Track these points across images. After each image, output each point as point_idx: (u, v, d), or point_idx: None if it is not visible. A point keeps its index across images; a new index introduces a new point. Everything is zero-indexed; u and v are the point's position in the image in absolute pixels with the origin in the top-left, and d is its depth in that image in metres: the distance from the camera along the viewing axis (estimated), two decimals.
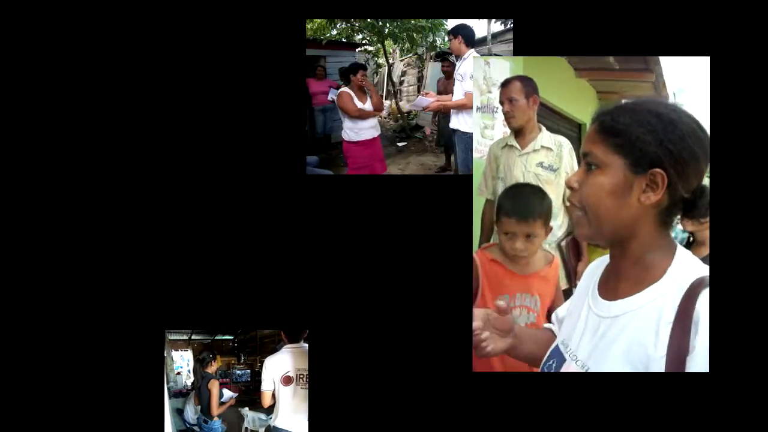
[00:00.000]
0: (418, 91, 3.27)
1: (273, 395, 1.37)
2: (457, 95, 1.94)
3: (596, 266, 0.81)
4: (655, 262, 0.68)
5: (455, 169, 2.21)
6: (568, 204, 0.72)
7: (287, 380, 1.34)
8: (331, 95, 2.36)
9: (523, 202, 1.16)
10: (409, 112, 3.22)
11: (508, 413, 1.10)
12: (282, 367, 1.34)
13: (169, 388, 1.42)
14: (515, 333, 0.83)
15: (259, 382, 1.39)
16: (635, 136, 0.66)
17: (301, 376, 1.31)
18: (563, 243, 1.66)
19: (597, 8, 1.11)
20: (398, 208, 1.14)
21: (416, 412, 1.12)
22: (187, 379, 1.56)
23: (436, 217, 1.15)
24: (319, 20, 2.27)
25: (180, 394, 1.56)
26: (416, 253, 1.14)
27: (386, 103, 2.83)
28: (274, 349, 1.39)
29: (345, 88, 2.18)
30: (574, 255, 1.70)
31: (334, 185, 1.17)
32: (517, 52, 1.16)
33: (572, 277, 1.69)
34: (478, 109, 2.00)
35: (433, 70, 3.21)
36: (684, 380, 1.03)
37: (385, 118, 3.05)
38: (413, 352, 1.14)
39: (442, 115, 2.42)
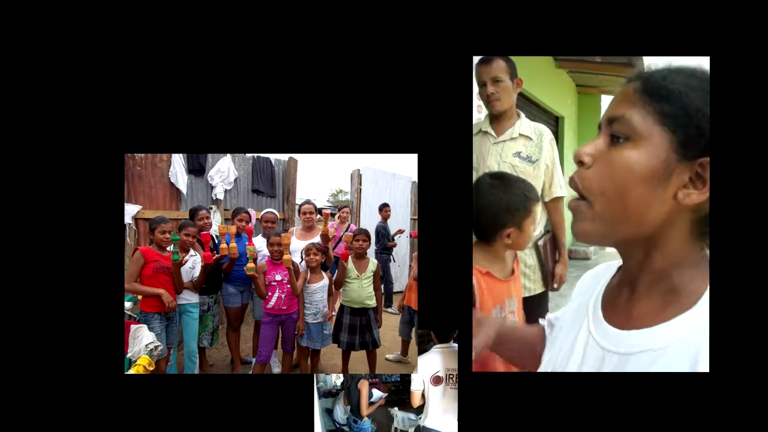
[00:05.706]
0: None
1: (423, 395, 1.33)
2: None
3: (599, 274, 0.63)
4: (686, 282, 0.51)
5: None
6: (569, 183, 0.54)
7: (437, 380, 1.31)
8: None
9: None
10: None
11: (509, 413, 1.10)
12: (432, 367, 1.32)
13: (318, 388, 1.38)
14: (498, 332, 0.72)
15: (409, 382, 1.36)
16: (694, 105, 0.47)
17: (451, 376, 1.29)
18: (540, 242, 1.53)
19: (597, 8, 1.11)
20: None
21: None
22: (337, 379, 1.56)
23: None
24: None
25: (330, 394, 1.54)
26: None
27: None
28: (424, 349, 1.36)
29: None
30: (551, 256, 1.56)
31: None
32: (517, 51, 1.16)
33: (549, 280, 1.57)
34: None
35: None
36: (684, 380, 1.03)
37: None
38: None
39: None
